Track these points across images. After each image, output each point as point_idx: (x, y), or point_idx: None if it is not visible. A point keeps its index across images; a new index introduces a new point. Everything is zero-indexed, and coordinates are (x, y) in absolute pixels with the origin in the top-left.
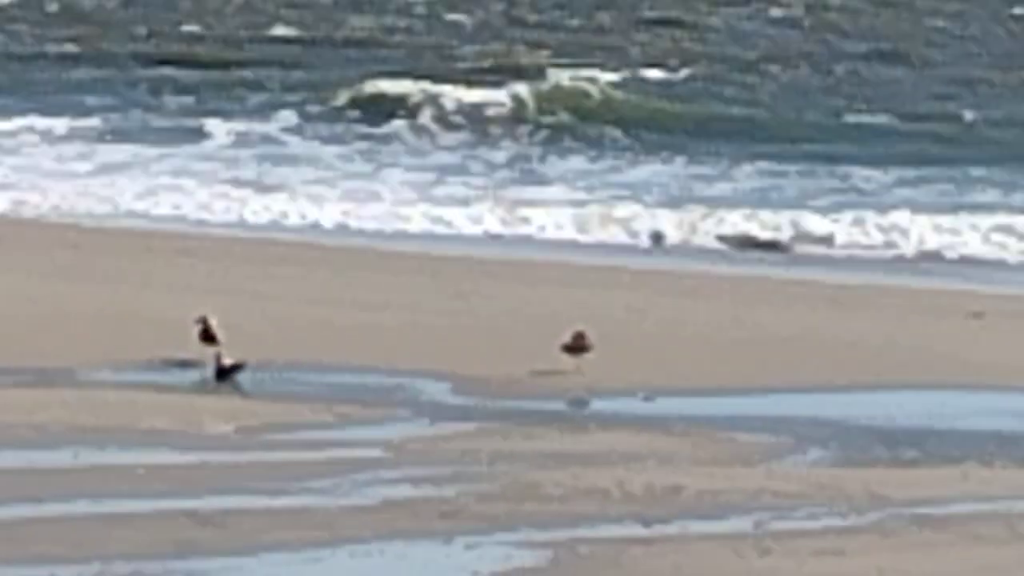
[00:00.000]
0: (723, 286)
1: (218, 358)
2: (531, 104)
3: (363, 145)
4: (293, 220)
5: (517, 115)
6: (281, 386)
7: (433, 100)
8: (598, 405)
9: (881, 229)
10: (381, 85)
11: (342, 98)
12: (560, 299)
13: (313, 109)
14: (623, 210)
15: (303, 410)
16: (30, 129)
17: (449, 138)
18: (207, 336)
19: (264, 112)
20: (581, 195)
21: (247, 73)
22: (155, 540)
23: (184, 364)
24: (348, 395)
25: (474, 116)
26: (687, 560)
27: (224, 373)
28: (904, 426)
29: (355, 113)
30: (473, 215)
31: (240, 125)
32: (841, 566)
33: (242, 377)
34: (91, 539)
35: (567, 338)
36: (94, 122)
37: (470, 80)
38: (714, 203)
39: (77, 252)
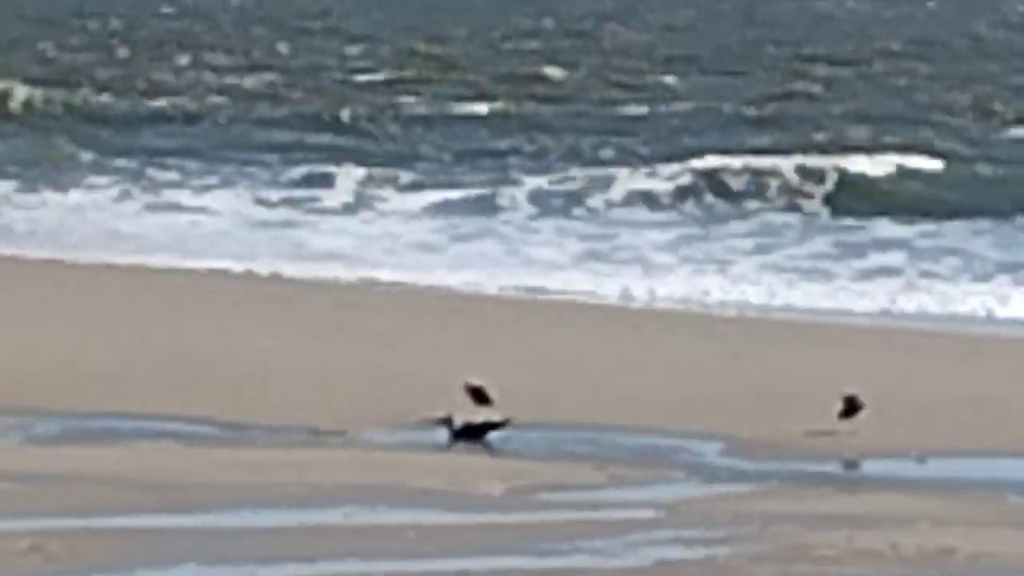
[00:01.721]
0: (996, 347)
1: (450, 420)
2: None
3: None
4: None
5: None
6: (554, 446)
7: None
8: (870, 467)
9: None
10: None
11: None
12: (832, 360)
13: None
14: None
15: (576, 470)
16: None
17: None
18: (477, 395)
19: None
20: None
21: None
22: None
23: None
24: (621, 456)
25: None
26: None
27: (464, 434)
28: None
29: None
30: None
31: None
32: None
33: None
34: None
35: (841, 403)
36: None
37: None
38: None
39: (348, 311)
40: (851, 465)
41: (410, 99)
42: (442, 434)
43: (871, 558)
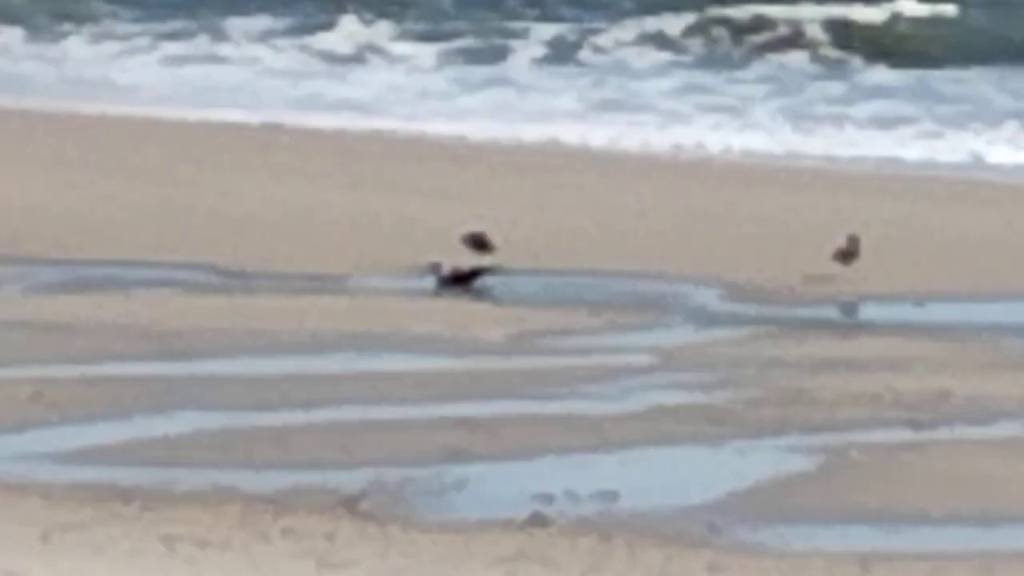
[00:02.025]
0: (995, 190)
1: (438, 266)
2: None
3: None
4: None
5: None
6: (553, 292)
7: None
8: (868, 310)
9: None
10: None
11: None
12: (830, 205)
13: None
14: None
15: (573, 316)
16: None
17: None
18: (477, 242)
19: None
20: None
21: None
22: (425, 447)
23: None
24: (619, 301)
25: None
26: (958, 465)
27: (451, 281)
28: None
29: None
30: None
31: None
32: None
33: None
34: (362, 446)
35: (839, 244)
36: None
37: None
38: None
39: (351, 160)
40: (849, 309)
41: None
42: (431, 281)
43: (868, 401)
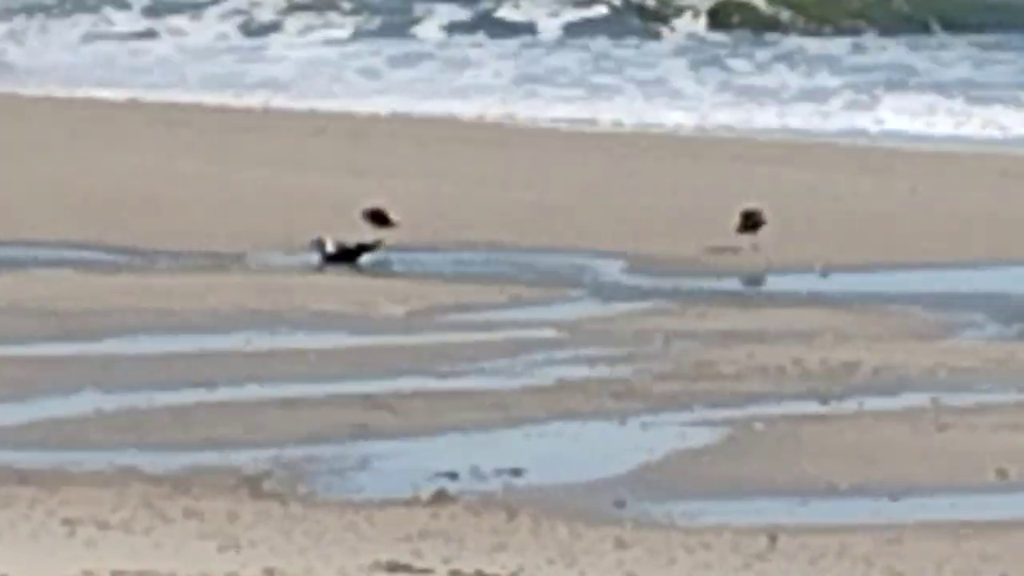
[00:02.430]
0: (900, 160)
1: (322, 243)
2: None
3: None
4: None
5: None
6: (454, 267)
7: None
8: (773, 282)
9: None
10: None
11: None
12: (733, 175)
13: None
14: None
15: (475, 291)
16: None
17: None
18: (377, 217)
19: None
20: None
21: None
22: (328, 424)
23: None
24: (521, 276)
25: None
26: (864, 436)
27: (336, 258)
28: None
29: None
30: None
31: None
32: (1020, 440)
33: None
34: (264, 424)
35: (741, 216)
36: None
37: None
38: None
39: (250, 136)
40: (753, 281)
41: None
42: (364, 258)
43: (774, 373)
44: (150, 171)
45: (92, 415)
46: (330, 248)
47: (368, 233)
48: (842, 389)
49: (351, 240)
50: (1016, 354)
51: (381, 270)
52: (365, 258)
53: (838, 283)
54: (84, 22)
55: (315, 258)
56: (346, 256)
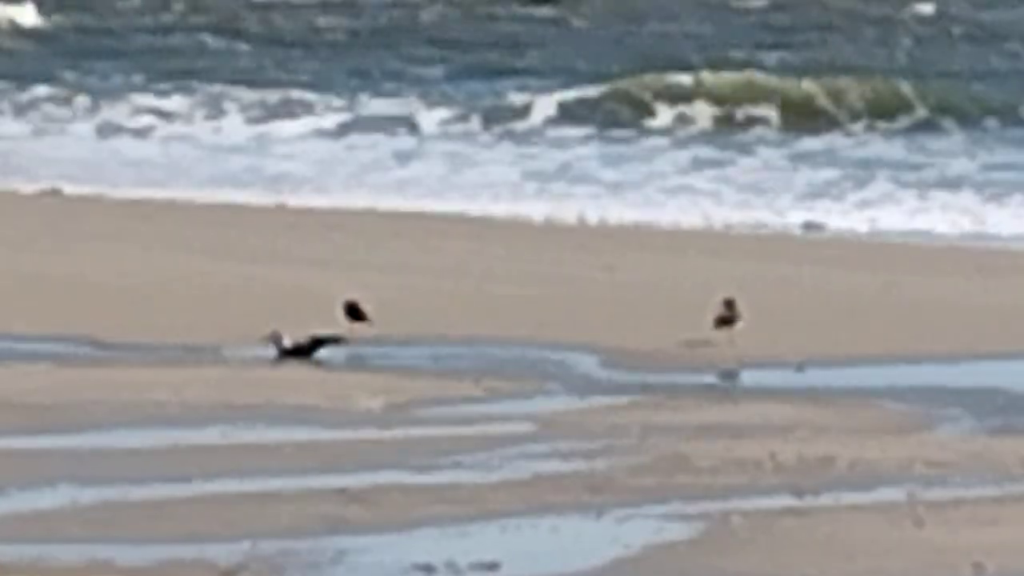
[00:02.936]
0: (872, 254)
1: (278, 338)
2: None
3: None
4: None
5: None
6: (430, 361)
7: None
8: (748, 376)
9: None
10: None
11: None
12: (708, 269)
13: None
14: None
15: (452, 385)
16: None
17: None
18: (353, 312)
19: None
20: None
21: None
22: (304, 518)
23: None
24: (497, 369)
25: None
26: (840, 530)
27: (293, 352)
28: None
29: None
30: None
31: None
32: (996, 535)
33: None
34: (240, 517)
35: (717, 309)
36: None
37: None
38: None
39: (222, 229)
40: (729, 375)
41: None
42: (339, 351)
43: (750, 467)
44: (127, 264)
45: (68, 508)
46: (287, 343)
47: (346, 327)
48: (818, 483)
49: (311, 333)
50: (992, 448)
51: (358, 364)
52: (337, 352)
53: (814, 377)
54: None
55: (271, 352)
56: (302, 351)
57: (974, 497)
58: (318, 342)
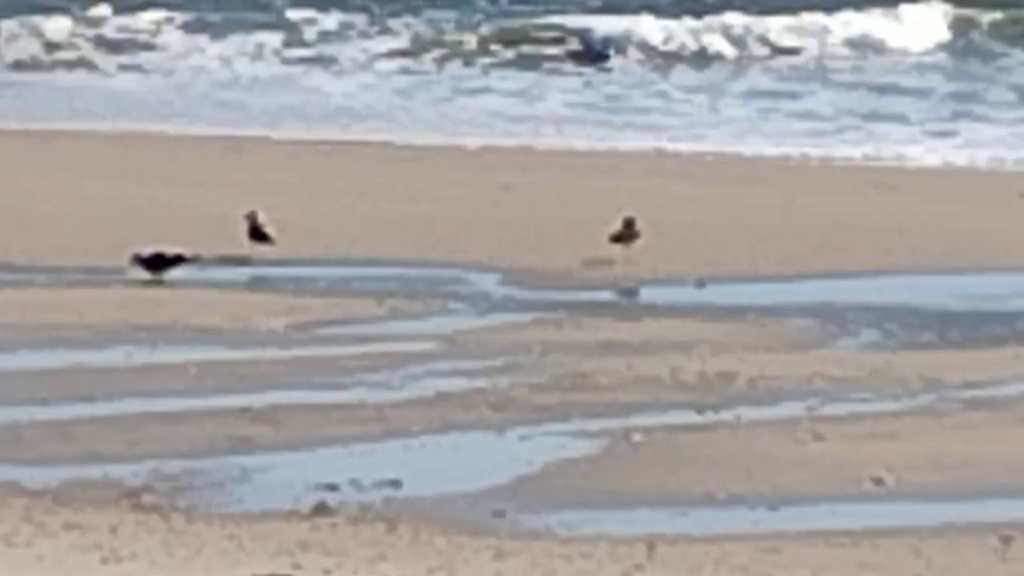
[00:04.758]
0: (771, 170)
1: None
2: None
3: None
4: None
5: None
6: (333, 281)
7: None
8: (649, 293)
9: None
10: None
11: None
12: (608, 189)
13: None
14: None
15: (353, 304)
16: None
17: None
18: (256, 233)
19: None
20: None
21: None
22: (208, 437)
23: (235, 260)
24: (399, 289)
25: None
26: (741, 446)
27: (148, 269)
28: (955, 309)
29: None
30: None
31: None
32: (895, 449)
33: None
34: (144, 437)
35: (616, 227)
36: None
37: None
38: None
39: (125, 150)
40: (629, 293)
41: None
42: (242, 271)
43: (651, 384)
44: (28, 188)
45: None
46: (144, 254)
47: (249, 248)
48: (719, 399)
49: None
50: (891, 363)
51: (261, 285)
52: (240, 272)
53: (714, 294)
54: None
55: (138, 272)
56: (156, 266)
57: (873, 412)
58: (175, 259)
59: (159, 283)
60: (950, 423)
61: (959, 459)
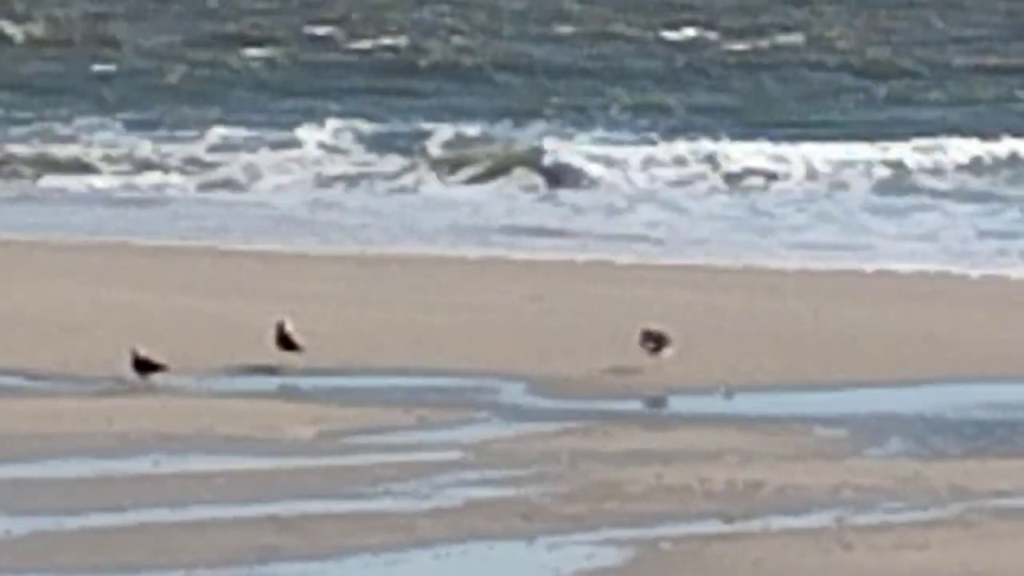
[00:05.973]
0: (800, 282)
1: (134, 353)
2: None
3: None
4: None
5: None
6: (362, 391)
7: None
8: (677, 403)
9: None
10: None
11: None
12: (637, 298)
13: None
14: None
15: (383, 414)
16: None
17: None
18: (285, 341)
19: None
20: None
21: None
22: (237, 546)
23: (264, 370)
24: (428, 399)
25: None
26: (769, 555)
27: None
28: (983, 418)
29: None
30: None
31: None
32: (924, 559)
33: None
34: (173, 547)
35: (646, 337)
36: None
37: None
38: None
39: (153, 261)
40: (658, 402)
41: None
42: (271, 380)
43: (680, 493)
44: (65, 298)
45: (2, 540)
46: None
47: (279, 358)
48: (747, 509)
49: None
50: (920, 473)
51: (290, 393)
52: (270, 381)
53: (742, 404)
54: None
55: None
56: (142, 370)
57: (902, 522)
58: (148, 365)
59: (183, 392)
60: (980, 533)
61: (987, 569)
